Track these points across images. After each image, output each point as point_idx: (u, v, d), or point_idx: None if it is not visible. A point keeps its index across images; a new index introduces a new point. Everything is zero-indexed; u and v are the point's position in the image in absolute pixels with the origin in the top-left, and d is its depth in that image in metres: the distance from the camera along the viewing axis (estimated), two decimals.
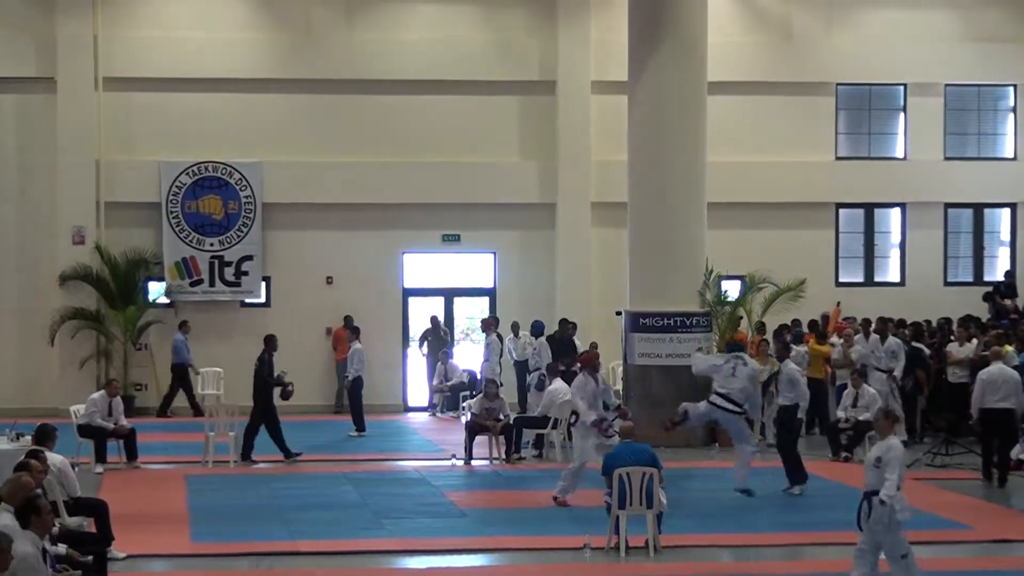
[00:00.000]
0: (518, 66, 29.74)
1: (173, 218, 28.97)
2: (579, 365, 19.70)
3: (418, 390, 29.75)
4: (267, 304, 29.47)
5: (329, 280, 29.48)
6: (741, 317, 25.65)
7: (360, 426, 25.59)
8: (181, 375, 28.28)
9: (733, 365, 19.62)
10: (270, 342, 23.42)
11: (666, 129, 24.56)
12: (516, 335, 27.73)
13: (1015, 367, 21.82)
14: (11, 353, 28.43)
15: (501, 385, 24.69)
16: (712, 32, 25.49)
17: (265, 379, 22.91)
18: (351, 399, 25.97)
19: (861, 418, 22.32)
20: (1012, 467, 20.94)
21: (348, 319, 28.58)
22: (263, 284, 29.38)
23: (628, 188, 25.26)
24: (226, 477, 21.21)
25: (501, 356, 27.46)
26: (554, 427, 22.95)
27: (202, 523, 17.53)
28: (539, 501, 19.48)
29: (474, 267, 30.09)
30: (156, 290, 29.12)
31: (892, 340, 24.70)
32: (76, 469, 19.23)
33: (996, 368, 20.61)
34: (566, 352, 25.48)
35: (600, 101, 29.40)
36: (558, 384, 23.15)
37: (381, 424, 26.87)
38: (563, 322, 26.59)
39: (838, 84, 30.34)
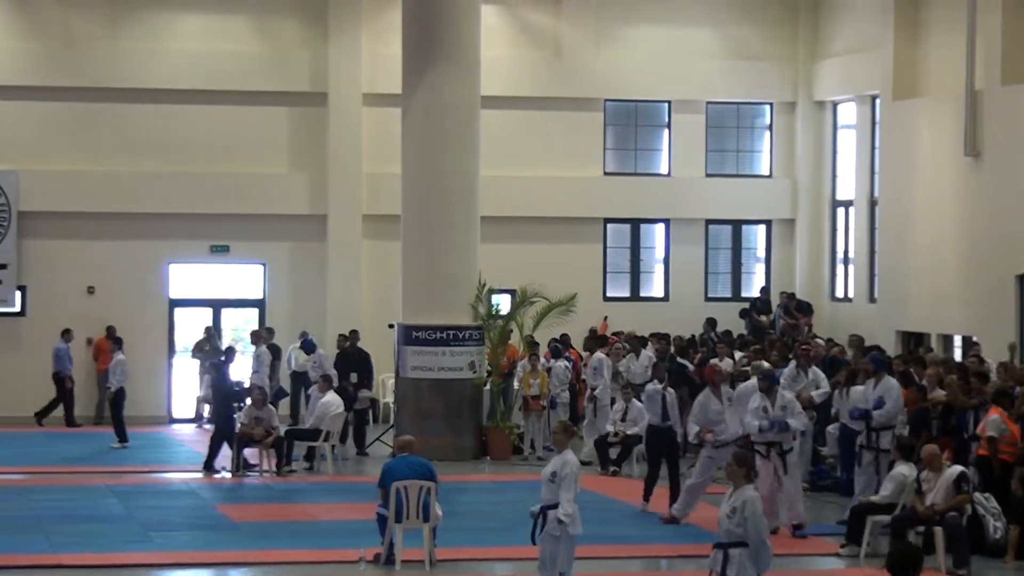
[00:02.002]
0: (289, 77, 29.43)
1: None
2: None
3: (183, 401, 29.16)
4: (22, 313, 28.60)
5: (91, 290, 28.74)
6: (512, 331, 25.81)
7: (122, 437, 25.07)
8: (61, 384, 27.03)
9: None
10: (229, 354, 23.62)
11: (440, 142, 24.63)
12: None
13: None
14: None
15: (286, 394, 24.55)
16: (484, 47, 25.64)
17: (226, 393, 22.90)
18: (113, 410, 25.50)
19: (630, 432, 22.60)
20: None
21: (110, 329, 27.89)
22: (18, 293, 28.46)
23: (401, 201, 25.22)
24: None
25: (272, 368, 26.96)
26: (326, 439, 22.74)
27: None
28: (311, 514, 19.31)
29: (243, 278, 29.66)
30: None
31: (644, 355, 25.13)
32: None
33: (753, 382, 20.98)
34: (359, 365, 25.08)
35: (371, 113, 29.28)
36: (331, 396, 23.01)
37: (146, 435, 26.30)
38: (353, 333, 25.93)
39: (606, 100, 30.75)
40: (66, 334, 27.60)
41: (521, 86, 30.00)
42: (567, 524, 13.18)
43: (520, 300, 26.14)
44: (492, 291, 25.47)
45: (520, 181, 29.84)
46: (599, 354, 24.84)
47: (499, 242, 28.22)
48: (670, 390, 19.75)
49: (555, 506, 13.25)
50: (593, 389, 24.03)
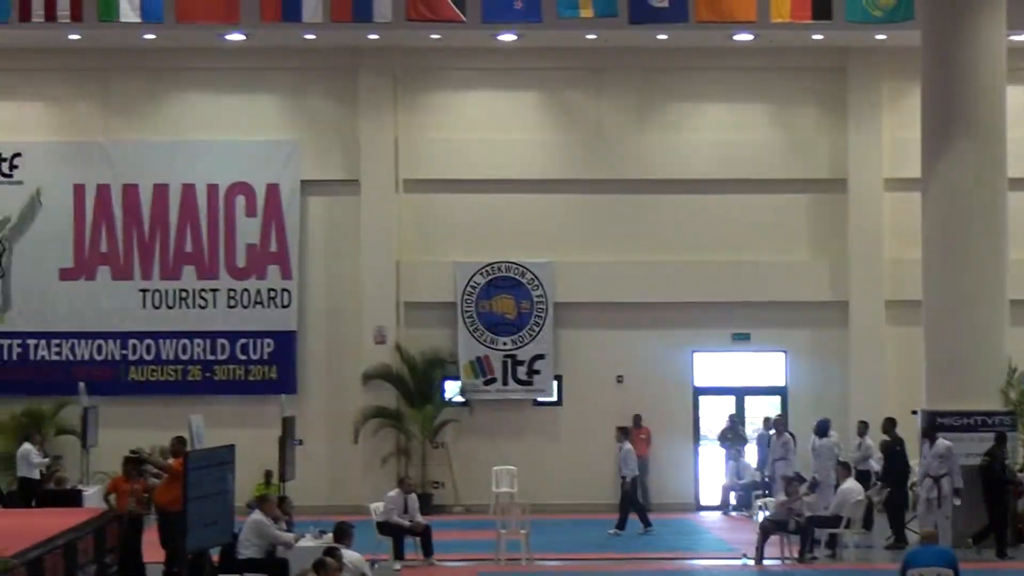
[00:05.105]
0: (807, 164, 29.65)
1: (468, 317, 29.63)
2: None
3: (710, 488, 29.56)
4: (559, 403, 29.79)
5: (620, 379, 29.67)
6: None
7: (622, 525, 25.46)
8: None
9: None
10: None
11: (963, 226, 24.06)
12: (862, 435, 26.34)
13: None
14: (319, 451, 29.04)
15: (803, 481, 24.51)
16: (1013, 127, 24.94)
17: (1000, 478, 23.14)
18: (625, 499, 25.85)
19: None
20: None
21: (637, 418, 28.71)
22: (555, 383, 29.71)
23: (923, 286, 24.78)
24: (518, 575, 21.43)
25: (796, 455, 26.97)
26: (847, 526, 22.57)
27: None
28: None
29: (765, 366, 29.91)
30: (452, 389, 29.71)
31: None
32: (376, 566, 19.87)
33: None
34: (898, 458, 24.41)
35: (892, 198, 29.07)
36: (851, 483, 22.85)
37: (671, 522, 26.81)
38: (891, 421, 24.95)
39: None
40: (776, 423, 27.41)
41: None
42: None
43: None
44: None
45: None
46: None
47: None
48: None
49: None
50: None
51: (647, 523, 25.67)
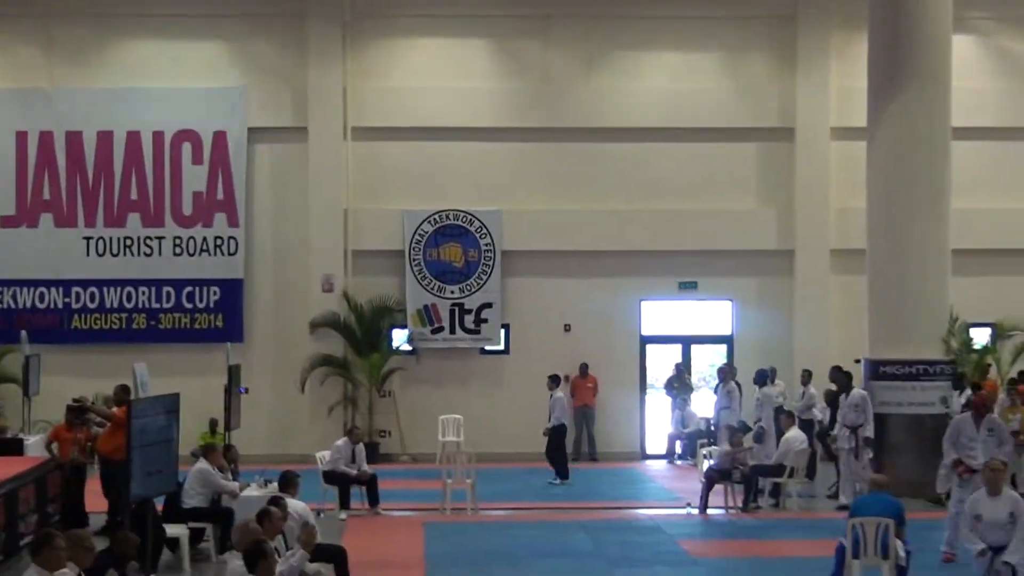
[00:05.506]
0: (756, 112, 29.66)
1: (416, 266, 29.57)
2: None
3: (655, 437, 29.69)
4: (506, 351, 29.80)
5: (567, 328, 29.70)
6: (990, 365, 25.00)
7: (561, 474, 25.55)
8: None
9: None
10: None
11: (907, 175, 24.17)
12: (805, 384, 26.75)
13: None
14: (266, 399, 28.99)
15: (748, 430, 24.63)
16: (959, 78, 25.02)
17: None
18: (550, 445, 25.93)
19: None
20: None
21: (583, 367, 28.74)
22: (502, 331, 29.72)
23: (867, 234, 24.91)
24: (463, 524, 21.49)
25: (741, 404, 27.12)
26: (790, 476, 22.73)
27: (437, 570, 17.83)
28: (773, 550, 19.32)
29: (712, 314, 30.01)
30: (399, 337, 29.68)
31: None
32: (321, 515, 19.87)
33: None
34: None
35: (840, 147, 29.15)
36: (795, 432, 23.00)
37: (617, 472, 26.92)
38: (838, 370, 24.82)
39: None
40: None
41: (1000, 116, 29.18)
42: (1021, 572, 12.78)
43: (999, 334, 25.30)
44: (967, 324, 24.76)
45: (997, 213, 28.95)
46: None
47: (974, 275, 27.45)
48: None
49: (1004, 548, 12.87)
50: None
51: (561, 476, 25.49)
